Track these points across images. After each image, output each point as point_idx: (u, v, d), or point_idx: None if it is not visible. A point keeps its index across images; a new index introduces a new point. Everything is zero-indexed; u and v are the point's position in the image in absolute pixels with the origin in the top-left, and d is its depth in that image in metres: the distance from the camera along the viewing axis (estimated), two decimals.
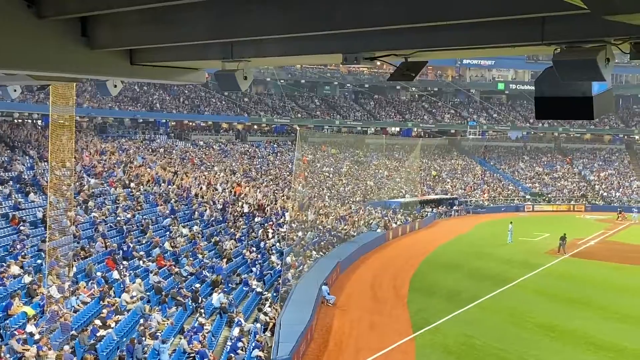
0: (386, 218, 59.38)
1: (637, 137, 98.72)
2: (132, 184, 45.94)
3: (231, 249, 38.91)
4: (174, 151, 62.69)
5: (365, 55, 8.85)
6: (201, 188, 50.68)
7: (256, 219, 46.44)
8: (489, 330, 29.25)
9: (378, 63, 9.42)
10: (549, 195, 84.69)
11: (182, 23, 9.11)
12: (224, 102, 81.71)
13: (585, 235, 58.16)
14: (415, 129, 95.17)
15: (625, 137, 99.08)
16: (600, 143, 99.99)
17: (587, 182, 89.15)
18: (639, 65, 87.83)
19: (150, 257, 34.04)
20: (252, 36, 8.84)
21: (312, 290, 32.04)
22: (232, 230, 43.21)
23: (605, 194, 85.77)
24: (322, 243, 44.98)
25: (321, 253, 42.73)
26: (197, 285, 31.66)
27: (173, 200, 45.36)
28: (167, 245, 36.50)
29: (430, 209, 71.23)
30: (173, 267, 33.44)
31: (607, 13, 4.52)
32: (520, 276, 40.60)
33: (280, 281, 33.74)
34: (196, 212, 44.56)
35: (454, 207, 76.48)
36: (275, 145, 78.04)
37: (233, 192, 51.92)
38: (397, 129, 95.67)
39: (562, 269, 43.74)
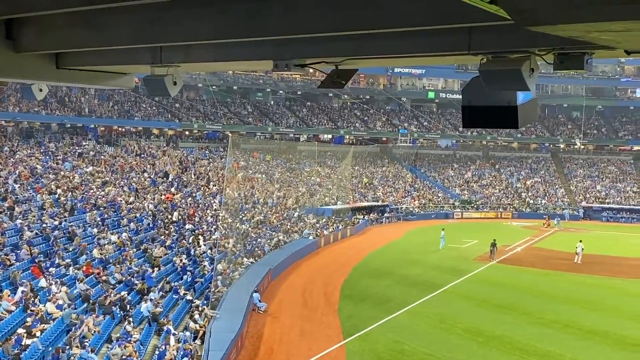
0: (318, 225, 59.51)
1: (562, 146, 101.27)
2: (59, 190, 44.96)
3: (161, 256, 38.43)
4: (102, 157, 61.58)
5: (296, 62, 8.85)
6: (132, 194, 49.97)
7: (187, 226, 45.99)
8: (418, 336, 29.54)
9: (311, 70, 9.44)
10: (477, 203, 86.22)
11: (109, 27, 8.95)
12: (154, 108, 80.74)
13: (512, 242, 59.35)
14: (348, 137, 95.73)
15: (551, 145, 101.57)
16: (527, 151, 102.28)
17: (514, 190, 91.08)
18: (564, 75, 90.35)
19: (78, 265, 33.33)
20: (181, 41, 8.76)
21: (243, 297, 31.86)
22: (162, 237, 42.66)
23: (531, 201, 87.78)
24: (255, 250, 44.84)
25: (252, 260, 42.55)
26: (126, 293, 31.12)
27: (102, 207, 44.62)
28: (95, 252, 35.80)
29: (362, 216, 71.70)
30: (101, 275, 32.81)
31: (530, 24, 4.61)
32: (449, 282, 41.16)
33: (211, 289, 33.46)
34: (125, 219, 43.87)
35: (385, 214, 77.19)
36: (207, 152, 77.43)
37: (164, 200, 51.29)
38: (330, 136, 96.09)
39: (489, 275, 44.52)
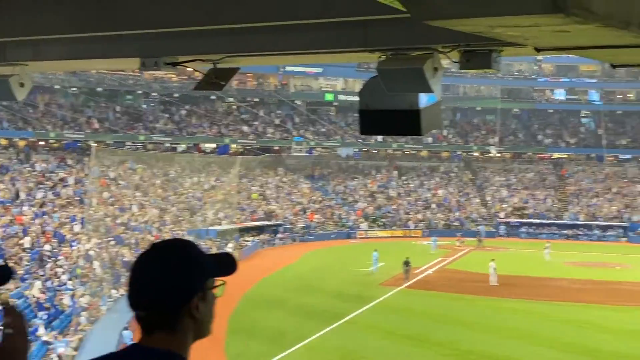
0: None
1: (476, 154, 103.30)
2: None
3: (11, 290, 37.28)
4: None
5: (167, 60, 8.71)
6: None
7: (44, 253, 44.80)
8: None
9: (189, 69, 9.34)
10: (383, 220, 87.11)
11: None
12: (1, 114, 78.29)
13: (422, 264, 60.17)
14: (234, 145, 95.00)
15: (464, 154, 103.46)
16: (437, 160, 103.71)
17: (425, 204, 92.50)
18: (476, 75, 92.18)
19: None
20: (28, 35, 8.50)
21: (110, 336, 31.27)
22: (12, 266, 41.37)
23: (443, 216, 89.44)
24: (123, 279, 44.10)
25: (123, 291, 41.81)
26: None
27: None
28: None
29: (252, 238, 71.46)
30: None
31: (428, 18, 4.66)
32: (352, 311, 41.44)
33: (70, 327, 32.69)
34: None
35: (278, 235, 77.14)
36: (66, 166, 75.48)
37: (12, 223, 49.90)
38: (213, 145, 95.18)
39: (397, 302, 45.07)
